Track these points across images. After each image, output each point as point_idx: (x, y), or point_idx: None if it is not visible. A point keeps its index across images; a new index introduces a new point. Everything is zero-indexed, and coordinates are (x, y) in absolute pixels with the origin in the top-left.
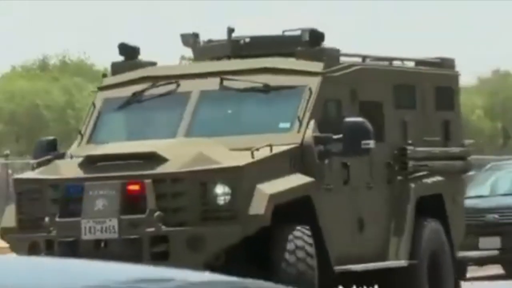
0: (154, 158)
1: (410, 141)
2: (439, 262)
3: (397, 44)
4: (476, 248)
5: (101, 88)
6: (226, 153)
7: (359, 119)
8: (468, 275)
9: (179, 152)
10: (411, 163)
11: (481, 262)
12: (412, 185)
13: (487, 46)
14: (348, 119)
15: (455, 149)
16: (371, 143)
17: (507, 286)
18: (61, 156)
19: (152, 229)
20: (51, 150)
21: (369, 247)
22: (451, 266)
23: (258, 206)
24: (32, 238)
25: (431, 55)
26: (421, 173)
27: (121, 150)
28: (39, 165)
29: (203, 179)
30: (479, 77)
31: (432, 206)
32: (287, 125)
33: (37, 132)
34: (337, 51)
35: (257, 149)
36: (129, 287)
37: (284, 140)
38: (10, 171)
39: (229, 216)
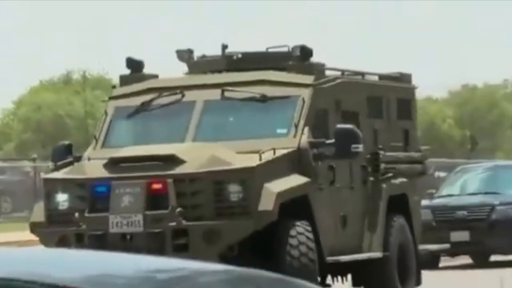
0: (173, 160)
1: (380, 147)
2: (406, 254)
3: (369, 60)
4: (447, 241)
5: (112, 98)
6: (236, 156)
7: (349, 125)
8: (441, 264)
9: (195, 155)
10: (382, 166)
11: (453, 253)
12: (384, 185)
13: (457, 63)
14: (339, 126)
15: (414, 154)
16: (360, 147)
17: (475, 274)
18: (79, 159)
19: (173, 224)
20: (68, 154)
21: (350, 240)
22: (414, 257)
23: (267, 203)
24: (61, 232)
25: (408, 70)
26: (389, 175)
27: (142, 153)
28: (58, 167)
29: (218, 179)
30: (450, 90)
31: (399, 204)
32: (284, 131)
33: (60, 139)
34: (323, 65)
35: (263, 152)
36: (144, 276)
37: (282, 144)
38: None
39: (242, 212)
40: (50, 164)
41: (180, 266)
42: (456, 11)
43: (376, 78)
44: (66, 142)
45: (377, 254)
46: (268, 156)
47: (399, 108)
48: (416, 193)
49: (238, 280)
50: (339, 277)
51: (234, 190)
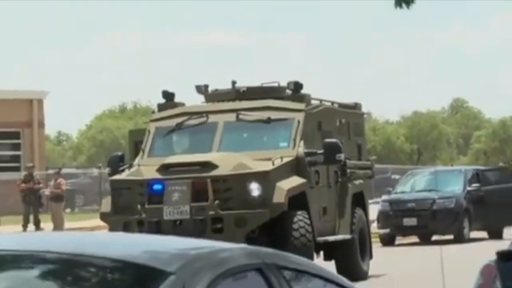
0: (209, 165)
1: (346, 156)
2: (364, 236)
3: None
4: (401, 225)
5: (152, 120)
6: (254, 162)
7: (334, 140)
8: (396, 242)
9: (224, 161)
10: (348, 171)
11: (404, 234)
12: (349, 185)
13: (408, 94)
14: (327, 140)
15: (366, 162)
16: (342, 156)
17: (421, 249)
18: (130, 165)
19: (212, 212)
20: (120, 162)
21: (328, 225)
22: (368, 238)
23: (280, 197)
24: (125, 219)
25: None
26: (352, 178)
27: (185, 160)
28: (119, 171)
29: (243, 179)
30: (402, 115)
31: (358, 200)
32: (286, 144)
33: None
34: (310, 95)
35: (274, 160)
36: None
37: (285, 154)
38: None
39: (261, 204)
40: (107, 169)
41: (205, 245)
42: (408, 53)
43: (337, 106)
44: (120, 153)
45: (347, 236)
46: (277, 162)
47: (354, 128)
48: (368, 192)
49: (248, 254)
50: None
51: (255, 187)
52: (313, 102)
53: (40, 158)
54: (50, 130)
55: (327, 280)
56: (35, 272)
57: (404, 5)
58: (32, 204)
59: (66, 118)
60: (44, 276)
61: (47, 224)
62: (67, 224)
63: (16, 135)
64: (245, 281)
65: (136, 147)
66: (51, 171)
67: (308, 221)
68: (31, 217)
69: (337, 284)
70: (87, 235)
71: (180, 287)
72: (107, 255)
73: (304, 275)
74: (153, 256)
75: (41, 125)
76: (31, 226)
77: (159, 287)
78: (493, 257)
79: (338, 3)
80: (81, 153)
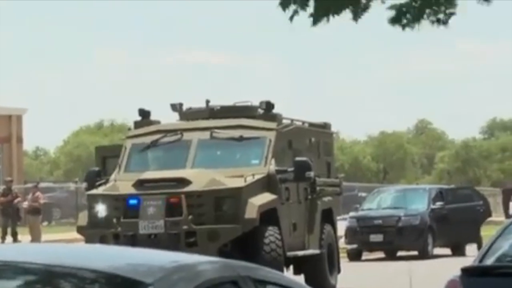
0: (183, 181)
1: (316, 174)
2: (332, 251)
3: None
4: (367, 241)
5: (128, 137)
6: (227, 179)
7: (304, 158)
8: (363, 258)
9: (198, 178)
10: (317, 188)
11: (371, 249)
12: (319, 202)
13: (374, 116)
14: (297, 158)
15: (334, 180)
16: (312, 174)
17: (386, 264)
18: (107, 181)
19: (186, 227)
20: (97, 177)
21: (298, 241)
22: (336, 253)
23: (251, 213)
24: (102, 233)
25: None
26: (321, 195)
27: (160, 176)
28: (95, 186)
29: (217, 195)
30: (369, 135)
31: (327, 216)
32: (257, 161)
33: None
34: (281, 115)
35: (246, 177)
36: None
37: (257, 171)
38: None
39: (233, 219)
40: (84, 184)
41: (182, 259)
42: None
43: (307, 125)
44: (97, 168)
45: (316, 251)
46: (249, 179)
47: (324, 147)
48: (336, 208)
49: (224, 267)
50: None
51: (228, 203)
52: (284, 121)
53: (19, 172)
54: (28, 145)
55: None
56: (16, 282)
57: (397, 25)
58: (10, 217)
59: (44, 133)
60: (24, 286)
61: (24, 236)
62: (44, 237)
63: None
64: None
65: (103, 163)
66: (29, 185)
67: (278, 236)
68: (9, 230)
69: None
70: (67, 247)
71: None
72: (86, 266)
73: None
74: (131, 268)
75: (20, 140)
76: (8, 238)
77: None
78: (458, 272)
79: (307, 27)
80: (58, 168)
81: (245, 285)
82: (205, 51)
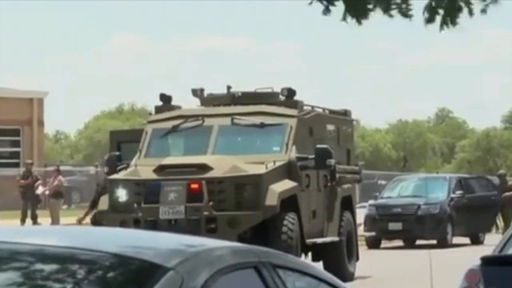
0: (204, 167)
1: (336, 161)
2: (351, 238)
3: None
4: (386, 229)
5: (149, 122)
6: (248, 165)
7: (325, 145)
8: (382, 246)
9: (219, 164)
10: (337, 175)
11: (389, 237)
12: (339, 189)
13: (395, 104)
14: (318, 146)
15: (354, 167)
16: (332, 161)
17: (405, 252)
18: (127, 165)
19: (206, 213)
20: (118, 161)
21: (317, 228)
22: (355, 241)
23: (272, 200)
24: (122, 217)
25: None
26: (341, 182)
27: (181, 161)
28: (116, 170)
29: (238, 181)
30: (389, 123)
31: (346, 203)
32: (278, 148)
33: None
34: (302, 102)
35: (267, 164)
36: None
37: (277, 158)
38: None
39: (254, 206)
40: (105, 168)
41: (203, 243)
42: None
43: (327, 112)
44: (117, 153)
45: (335, 238)
46: (270, 166)
47: (344, 134)
48: (355, 195)
49: (244, 252)
50: (303, 255)
51: (248, 190)
52: (305, 108)
53: (39, 155)
54: (49, 128)
55: (320, 279)
56: (35, 265)
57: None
58: (30, 200)
59: (65, 117)
60: (43, 269)
61: (44, 219)
62: (63, 220)
63: (16, 132)
64: (242, 278)
65: (118, 148)
66: (49, 168)
67: (295, 222)
68: (29, 212)
69: (329, 284)
70: (87, 230)
71: (179, 282)
72: (106, 249)
73: (298, 274)
74: (152, 252)
75: (41, 123)
76: (28, 221)
77: (158, 282)
78: (477, 262)
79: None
80: (78, 152)
81: (266, 271)
82: (223, 36)
